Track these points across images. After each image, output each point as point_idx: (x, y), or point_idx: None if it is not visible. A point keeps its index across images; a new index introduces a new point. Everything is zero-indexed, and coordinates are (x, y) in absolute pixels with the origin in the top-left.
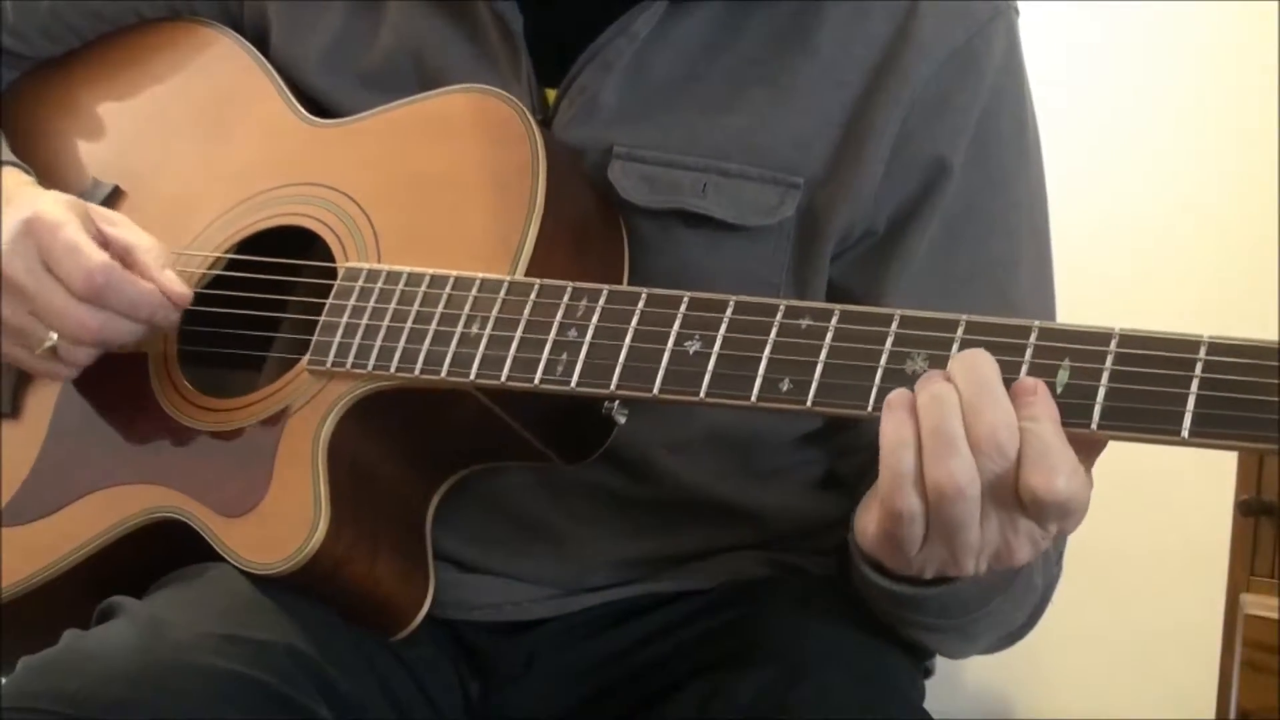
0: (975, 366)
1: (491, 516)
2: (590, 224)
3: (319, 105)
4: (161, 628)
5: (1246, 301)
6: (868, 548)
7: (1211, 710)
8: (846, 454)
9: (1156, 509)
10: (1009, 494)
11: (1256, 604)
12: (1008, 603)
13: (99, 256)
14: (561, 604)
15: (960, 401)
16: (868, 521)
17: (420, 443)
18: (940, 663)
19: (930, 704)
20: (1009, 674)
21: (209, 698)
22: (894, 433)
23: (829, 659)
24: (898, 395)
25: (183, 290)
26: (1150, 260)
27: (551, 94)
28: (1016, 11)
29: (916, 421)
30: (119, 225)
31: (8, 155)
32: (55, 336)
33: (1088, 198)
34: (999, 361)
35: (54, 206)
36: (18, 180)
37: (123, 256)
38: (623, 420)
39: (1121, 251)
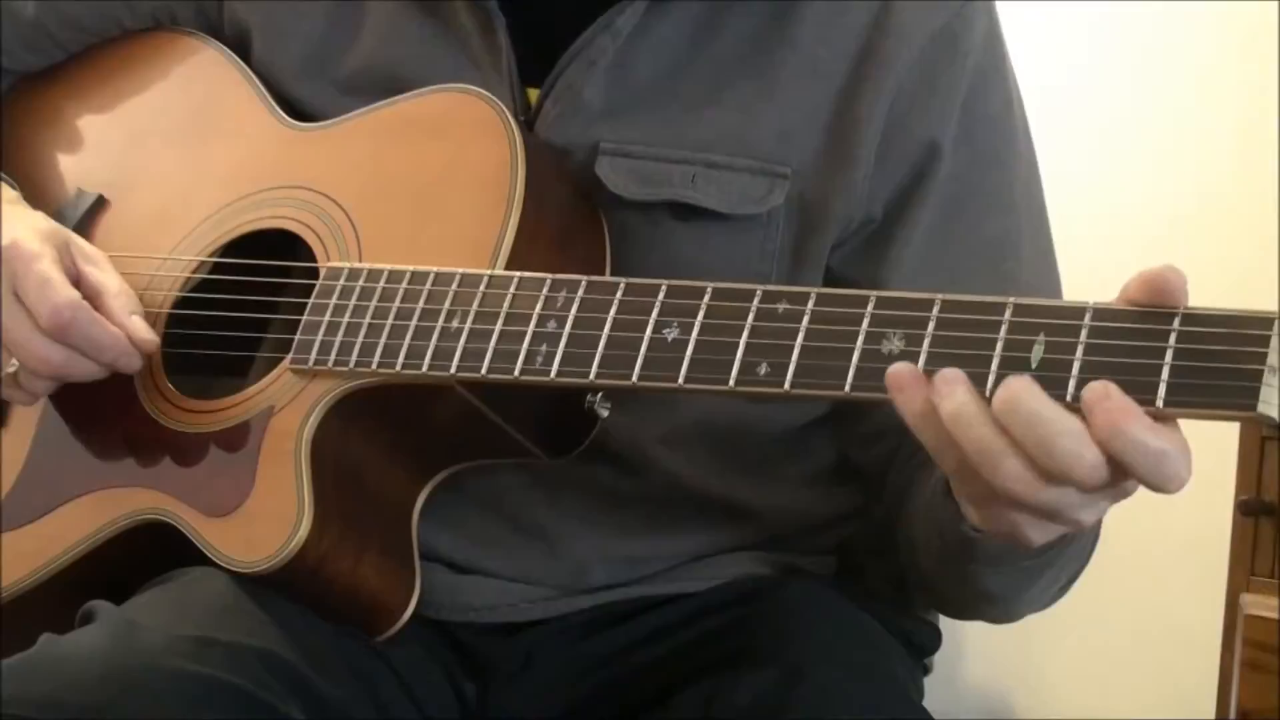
0: (1017, 403)
1: (487, 517)
2: (571, 222)
3: (301, 112)
4: (134, 631)
5: (1246, 301)
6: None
7: (1211, 710)
8: (867, 443)
9: (1156, 509)
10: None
11: (1256, 604)
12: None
13: (68, 293)
14: (558, 605)
15: (1024, 444)
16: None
17: (404, 440)
18: (940, 662)
19: (930, 703)
20: (1009, 674)
21: (178, 701)
22: (978, 444)
23: (828, 659)
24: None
25: (149, 337)
26: (1149, 260)
27: (533, 94)
28: None
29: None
30: (97, 264)
31: None
32: (16, 364)
33: (1087, 197)
34: (974, 339)
35: (32, 236)
36: (7, 197)
37: (92, 298)
38: (605, 414)
39: (1120, 252)
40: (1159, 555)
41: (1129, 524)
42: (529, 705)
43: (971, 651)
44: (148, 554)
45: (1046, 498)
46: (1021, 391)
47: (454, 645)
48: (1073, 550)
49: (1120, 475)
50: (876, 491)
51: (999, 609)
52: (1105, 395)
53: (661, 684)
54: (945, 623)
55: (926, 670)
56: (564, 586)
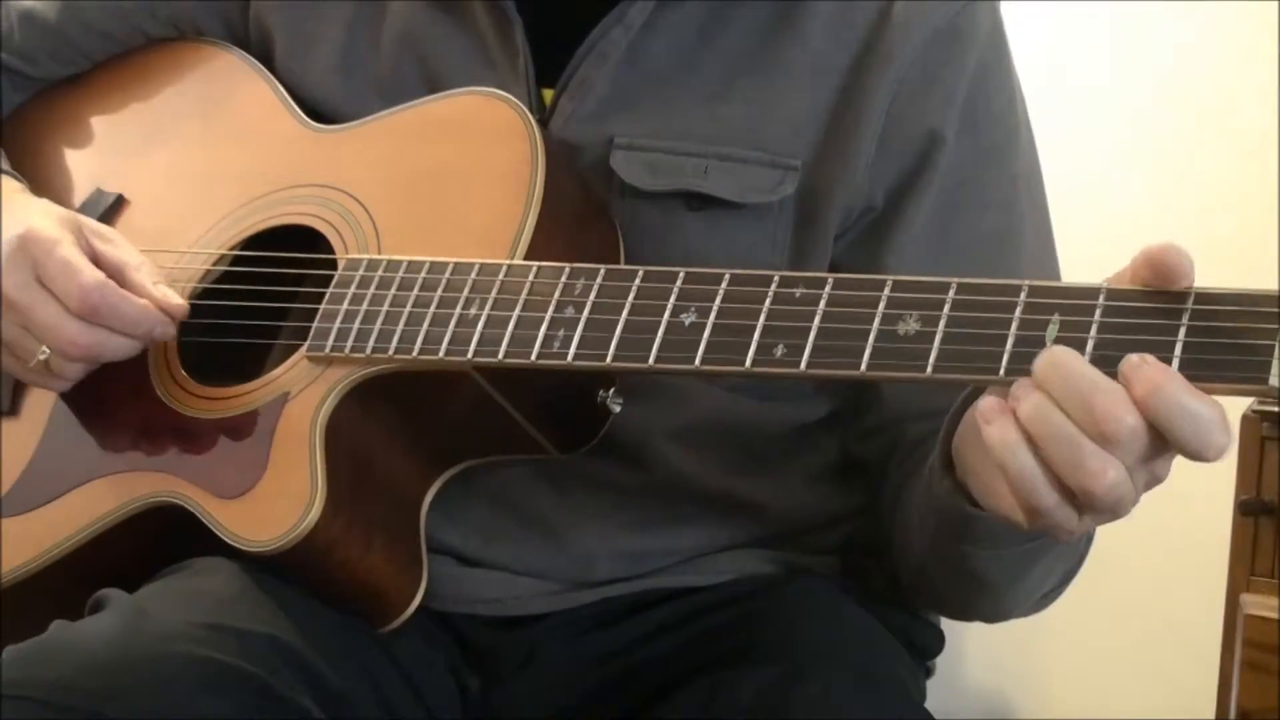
0: (1059, 364)
1: (494, 510)
2: (586, 221)
3: (325, 115)
4: (145, 618)
5: None
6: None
7: (1211, 710)
8: (869, 436)
9: (1156, 509)
10: (1151, 456)
11: (1256, 604)
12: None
13: (94, 274)
14: (563, 599)
15: (1063, 404)
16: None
17: (418, 431)
18: (941, 664)
19: (930, 704)
20: (1009, 674)
21: (189, 687)
22: (999, 436)
23: (830, 658)
24: (988, 404)
25: (179, 303)
26: None
27: (548, 94)
28: None
29: (1018, 421)
30: (112, 242)
31: (4, 165)
32: (47, 351)
33: (1087, 195)
34: (991, 319)
35: (48, 222)
36: (10, 188)
37: (115, 274)
38: (617, 409)
39: (1120, 251)
40: (1159, 555)
41: (1129, 524)
42: (532, 699)
43: (973, 653)
44: (159, 540)
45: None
46: (1061, 354)
47: (458, 638)
48: (1065, 545)
49: (1159, 445)
50: (877, 485)
51: (989, 600)
52: (1142, 361)
53: (664, 679)
54: (947, 624)
55: (929, 672)
56: (569, 580)
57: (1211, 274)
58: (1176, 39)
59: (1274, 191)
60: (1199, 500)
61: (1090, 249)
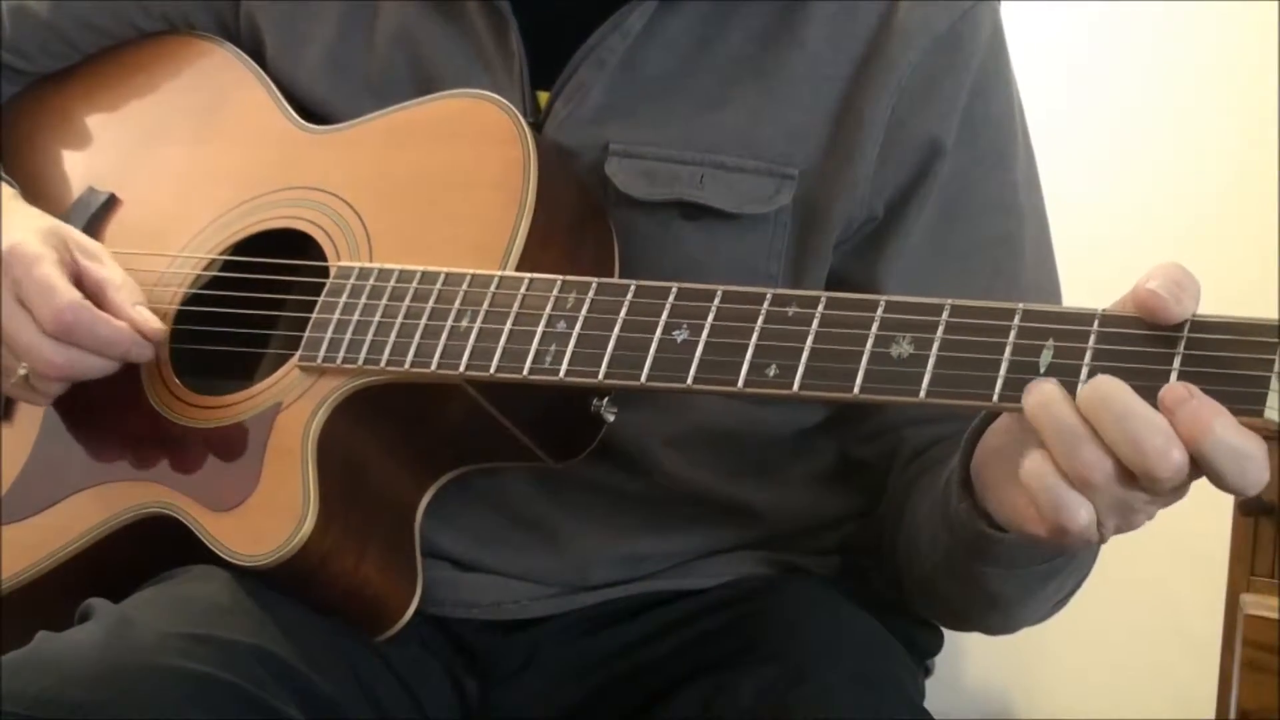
0: (1110, 399)
1: (491, 514)
2: (580, 225)
3: (317, 114)
4: (130, 629)
5: (1246, 304)
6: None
7: (1211, 710)
8: (868, 441)
9: None
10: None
11: (1256, 604)
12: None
13: (69, 295)
14: (561, 602)
15: (1113, 441)
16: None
17: (411, 441)
18: (940, 663)
19: (930, 704)
20: (1009, 674)
21: (173, 699)
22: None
23: (829, 659)
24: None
25: (156, 326)
26: (1149, 262)
27: (543, 96)
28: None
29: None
30: (97, 259)
31: None
32: (26, 368)
33: (1087, 198)
34: (984, 342)
35: (32, 238)
36: (4, 195)
37: (96, 292)
38: (611, 418)
39: (1120, 253)
40: (1159, 555)
41: None
42: (531, 703)
43: (972, 653)
44: (151, 550)
45: (1117, 493)
46: (1114, 388)
47: (455, 643)
48: (1079, 560)
49: (1191, 478)
50: (877, 489)
51: (998, 615)
52: (1189, 395)
53: (663, 682)
54: None
55: (928, 672)
56: (567, 584)
57: (1211, 276)
58: (1175, 39)
59: (1274, 192)
60: (1199, 500)
61: (1088, 252)
